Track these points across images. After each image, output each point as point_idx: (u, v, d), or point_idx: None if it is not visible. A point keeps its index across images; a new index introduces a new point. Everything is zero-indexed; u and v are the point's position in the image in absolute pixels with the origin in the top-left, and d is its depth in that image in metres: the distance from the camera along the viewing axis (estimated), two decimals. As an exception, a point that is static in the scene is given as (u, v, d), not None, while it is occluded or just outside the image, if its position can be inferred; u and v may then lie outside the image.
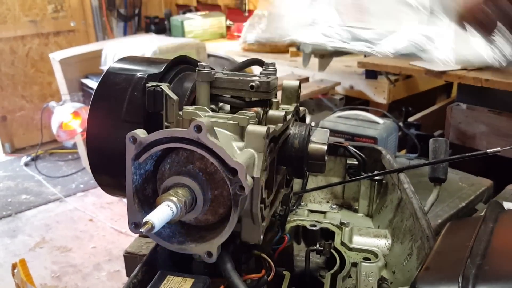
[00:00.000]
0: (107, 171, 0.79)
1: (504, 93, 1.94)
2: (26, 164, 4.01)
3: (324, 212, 1.03)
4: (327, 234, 0.94)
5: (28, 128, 4.29)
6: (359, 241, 0.88)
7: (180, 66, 0.83)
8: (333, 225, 0.94)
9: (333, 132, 2.03)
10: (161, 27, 4.02)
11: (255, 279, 0.76)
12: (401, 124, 2.31)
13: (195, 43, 3.13)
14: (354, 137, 1.96)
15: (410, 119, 2.45)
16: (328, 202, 1.07)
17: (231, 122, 0.68)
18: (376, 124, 1.93)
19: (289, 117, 0.79)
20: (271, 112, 0.75)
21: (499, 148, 0.79)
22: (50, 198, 3.55)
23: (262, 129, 0.64)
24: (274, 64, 0.80)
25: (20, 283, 2.10)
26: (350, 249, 0.86)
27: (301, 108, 0.90)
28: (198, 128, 0.58)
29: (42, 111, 3.56)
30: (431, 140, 0.89)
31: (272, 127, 0.72)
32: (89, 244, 3.08)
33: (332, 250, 0.87)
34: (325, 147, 0.82)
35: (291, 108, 0.82)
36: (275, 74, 0.79)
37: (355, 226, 0.93)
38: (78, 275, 2.80)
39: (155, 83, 0.73)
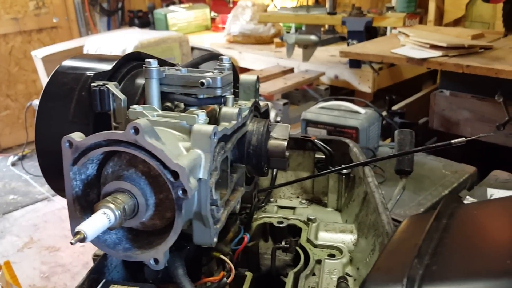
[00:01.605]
0: (59, 175, 0.76)
1: (486, 78, 1.92)
2: (13, 164, 3.96)
3: (293, 208, 1.00)
4: (295, 231, 0.92)
5: (14, 127, 4.24)
6: (324, 237, 0.86)
7: (133, 63, 0.80)
8: (301, 221, 0.92)
9: (315, 124, 2.00)
10: (144, 20, 3.97)
11: (214, 282, 0.74)
12: (385, 113, 2.29)
13: (178, 36, 3.08)
14: (336, 127, 1.94)
15: (395, 107, 2.42)
16: (298, 197, 1.05)
17: (179, 121, 0.65)
18: (358, 114, 1.91)
19: (245, 113, 0.76)
20: (225, 109, 0.72)
21: (463, 138, 0.77)
22: (38, 198, 3.51)
23: (208, 128, 0.62)
24: (228, 59, 0.77)
25: (5, 286, 2.08)
26: (316, 246, 0.84)
27: (262, 103, 0.87)
28: (136, 130, 0.55)
29: (26, 110, 3.51)
30: (396, 132, 0.87)
31: (224, 125, 0.70)
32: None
33: (297, 248, 0.85)
34: (285, 143, 0.79)
35: (248, 104, 0.79)
36: (230, 69, 0.77)
37: (322, 221, 0.90)
38: (67, 274, 2.78)
39: (101, 82, 0.70)
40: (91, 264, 2.70)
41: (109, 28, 4.38)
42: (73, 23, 4.22)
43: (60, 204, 3.45)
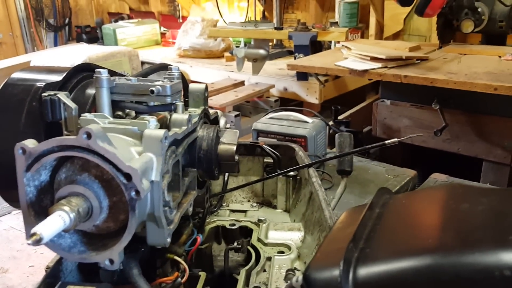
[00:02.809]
0: (13, 186, 0.76)
1: (423, 87, 2.06)
2: (-46, 186, 3.76)
3: (245, 211, 1.05)
4: (246, 232, 0.96)
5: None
6: (274, 236, 0.90)
7: (84, 73, 0.82)
8: (252, 222, 0.96)
9: (266, 133, 2.07)
10: (93, 36, 3.92)
11: (169, 283, 0.77)
12: (331, 122, 2.39)
13: (127, 51, 3.08)
14: (286, 136, 2.01)
15: (341, 117, 2.54)
16: (249, 201, 1.09)
17: (131, 127, 0.68)
18: (306, 124, 1.99)
19: (195, 120, 0.80)
20: (175, 116, 0.76)
21: (396, 139, 0.85)
22: (-18, 220, 3.34)
23: (159, 132, 0.65)
24: (177, 68, 0.81)
25: None
26: (266, 244, 0.89)
27: (212, 111, 0.92)
28: (88, 135, 0.57)
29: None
30: (336, 135, 0.94)
31: (175, 130, 0.74)
32: (27, 263, 2.93)
33: (249, 247, 0.89)
34: (234, 147, 0.84)
35: (198, 111, 0.83)
36: (179, 78, 0.81)
37: (272, 222, 0.95)
38: (16, 297, 2.65)
39: (52, 92, 0.72)
40: (42, 284, 2.53)
41: (56, 44, 4.29)
42: (18, 39, 4.10)
43: (8, 224, 3.30)
